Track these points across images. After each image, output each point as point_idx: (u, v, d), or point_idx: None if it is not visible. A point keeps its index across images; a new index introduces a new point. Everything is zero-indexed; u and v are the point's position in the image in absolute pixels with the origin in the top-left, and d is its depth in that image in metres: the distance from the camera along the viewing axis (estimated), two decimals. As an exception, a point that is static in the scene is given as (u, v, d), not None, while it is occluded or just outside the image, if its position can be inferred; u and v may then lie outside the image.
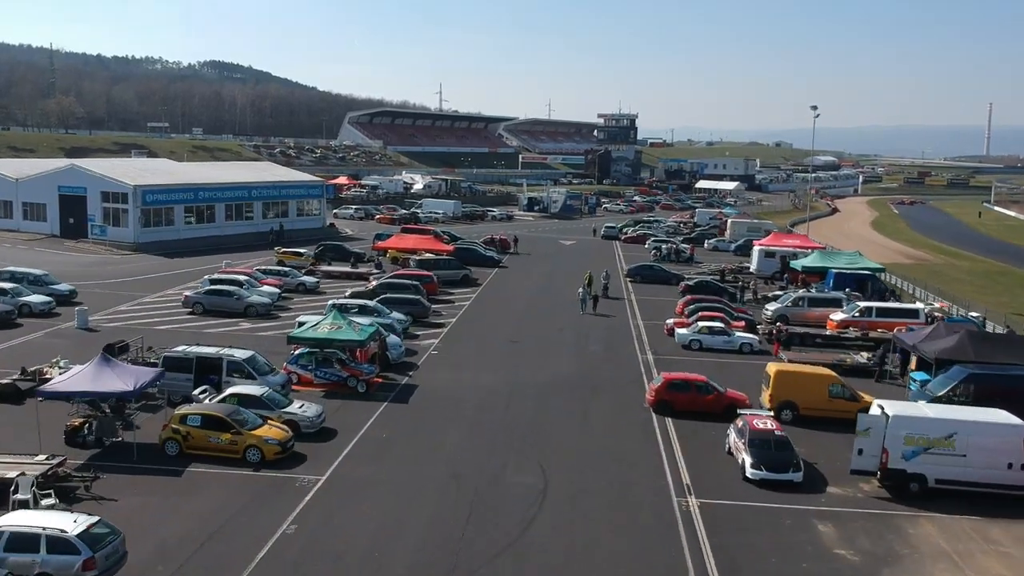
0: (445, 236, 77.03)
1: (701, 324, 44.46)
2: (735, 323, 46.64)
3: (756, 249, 70.44)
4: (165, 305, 49.20)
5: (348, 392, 34.18)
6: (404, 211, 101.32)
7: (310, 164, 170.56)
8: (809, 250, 71.94)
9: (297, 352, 35.40)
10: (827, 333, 46.54)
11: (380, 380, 35.94)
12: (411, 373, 37.53)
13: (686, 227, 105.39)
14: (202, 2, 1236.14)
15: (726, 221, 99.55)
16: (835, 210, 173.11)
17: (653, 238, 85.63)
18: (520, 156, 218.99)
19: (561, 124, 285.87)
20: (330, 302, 45.16)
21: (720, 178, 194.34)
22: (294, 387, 34.21)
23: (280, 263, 63.09)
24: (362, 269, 61.31)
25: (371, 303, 44.44)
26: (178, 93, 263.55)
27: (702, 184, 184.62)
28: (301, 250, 64.49)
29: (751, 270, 69.94)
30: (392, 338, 38.93)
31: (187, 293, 48.05)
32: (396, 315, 44.22)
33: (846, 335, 46.19)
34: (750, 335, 44.93)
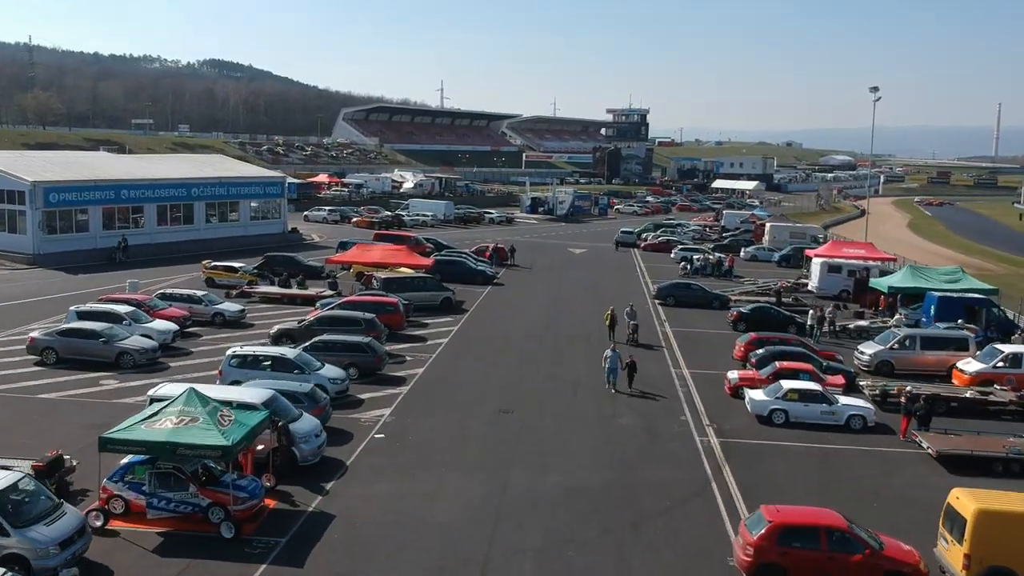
0: (428, 244, 62.01)
1: (785, 384, 29.16)
2: (832, 379, 31.42)
3: (816, 262, 55.08)
4: (10, 350, 34.07)
5: (208, 532, 19.09)
6: (388, 213, 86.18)
7: (299, 162, 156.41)
8: (880, 262, 56.88)
9: (126, 461, 20.25)
10: (966, 395, 31.18)
11: (271, 505, 20.80)
12: (329, 485, 22.31)
13: (712, 232, 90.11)
14: (204, 2, 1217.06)
15: (761, 225, 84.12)
16: (863, 211, 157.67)
17: (680, 246, 70.27)
18: (524, 155, 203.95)
19: (567, 122, 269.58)
20: (230, 350, 29.95)
21: (737, 177, 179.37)
22: (115, 523, 19.20)
23: (208, 281, 48.15)
24: (312, 290, 46.07)
25: (291, 354, 29.25)
26: (168, 90, 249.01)
27: (719, 184, 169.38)
28: (236, 264, 49.27)
29: (809, 288, 54.75)
30: (304, 422, 23.68)
31: (34, 334, 32.83)
32: (329, 371, 29.13)
33: (993, 397, 30.91)
34: (860, 402, 29.61)
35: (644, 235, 79.57)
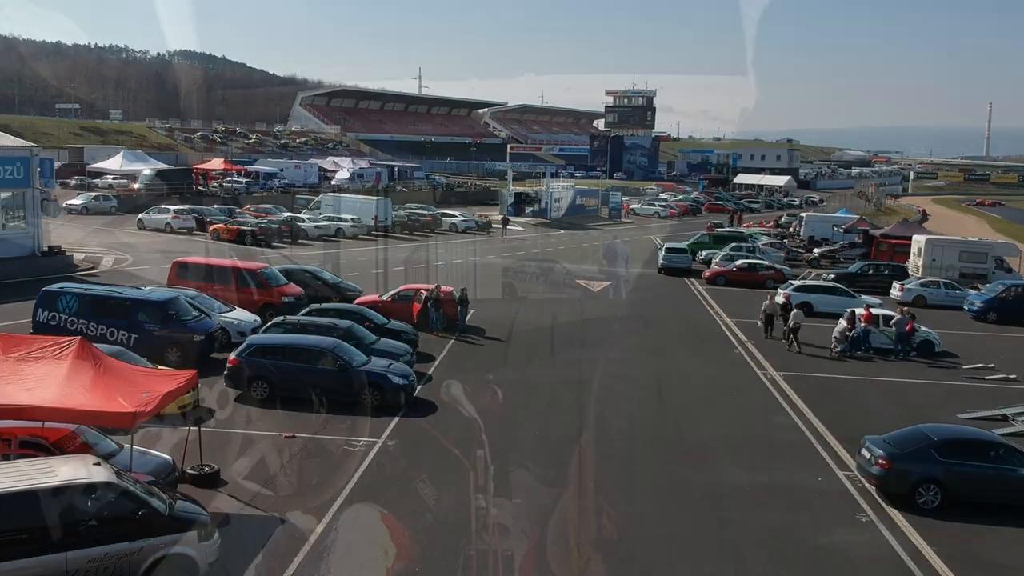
0: (292, 288, 28.23)
1: None
2: None
3: None
4: None
5: None
6: (286, 216, 52.16)
7: (239, 152, 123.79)
8: None
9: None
10: None
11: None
12: None
13: (794, 244, 56.88)
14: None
15: (886, 240, 50.48)
16: (924, 213, 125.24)
17: (793, 284, 36.53)
18: (508, 146, 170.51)
19: (557, 112, 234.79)
20: None
21: (760, 171, 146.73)
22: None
23: None
24: None
25: None
26: (109, 74, 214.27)
27: (743, 179, 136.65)
28: None
29: None
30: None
31: None
32: None
33: None
34: None
35: (707, 255, 45.78)
